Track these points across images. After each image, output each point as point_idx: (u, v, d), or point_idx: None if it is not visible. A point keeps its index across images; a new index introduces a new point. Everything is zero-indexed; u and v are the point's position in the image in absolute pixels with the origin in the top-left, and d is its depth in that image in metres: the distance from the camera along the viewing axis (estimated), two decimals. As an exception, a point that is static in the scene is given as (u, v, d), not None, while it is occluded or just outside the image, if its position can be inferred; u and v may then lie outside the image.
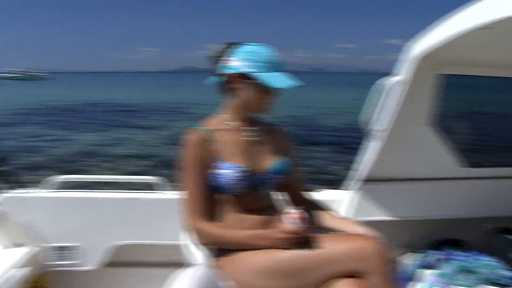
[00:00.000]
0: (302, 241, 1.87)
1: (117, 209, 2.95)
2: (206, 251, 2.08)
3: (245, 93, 2.04)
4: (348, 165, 3.17)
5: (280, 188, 2.22)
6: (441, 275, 2.49)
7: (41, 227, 2.88)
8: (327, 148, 14.13)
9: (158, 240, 2.93)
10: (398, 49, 2.53)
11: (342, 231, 2.07)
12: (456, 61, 2.65)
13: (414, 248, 2.86)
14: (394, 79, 2.50)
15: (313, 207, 2.23)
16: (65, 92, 50.92)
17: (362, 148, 2.77)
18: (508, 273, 2.44)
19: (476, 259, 2.54)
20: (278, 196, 2.25)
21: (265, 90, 2.01)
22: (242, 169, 2.00)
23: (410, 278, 2.57)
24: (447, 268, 2.53)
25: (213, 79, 2.09)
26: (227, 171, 1.98)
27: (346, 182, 2.95)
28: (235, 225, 2.02)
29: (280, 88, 1.99)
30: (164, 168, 9.85)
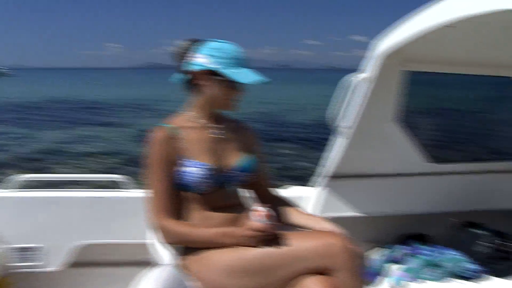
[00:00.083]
0: (269, 238, 1.86)
1: (81, 208, 2.89)
2: (173, 250, 2.05)
3: (211, 90, 2.02)
4: (315, 161, 3.17)
5: (247, 185, 2.20)
6: (408, 270, 2.52)
7: (2, 228, 2.80)
8: (294, 145, 14.20)
9: (124, 239, 2.89)
10: (365, 46, 2.54)
11: (310, 228, 2.07)
12: (421, 58, 2.68)
13: (381, 243, 2.89)
14: (360, 76, 2.52)
15: (280, 204, 2.22)
16: (28, 89, 49.78)
17: (329, 144, 2.77)
18: (472, 266, 2.48)
19: (442, 253, 2.57)
20: (246, 194, 2.23)
21: (232, 86, 2.00)
22: (208, 167, 1.97)
23: (377, 273, 2.59)
24: (414, 263, 2.55)
25: (178, 76, 2.07)
26: (193, 169, 1.96)
27: (313, 178, 2.95)
28: (202, 223, 2.00)
29: (247, 84, 1.98)
30: (130, 166, 9.74)
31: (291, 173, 9.67)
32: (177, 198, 1.99)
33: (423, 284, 2.44)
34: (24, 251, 2.85)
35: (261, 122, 19.03)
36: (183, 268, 1.97)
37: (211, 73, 1.97)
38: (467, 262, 2.49)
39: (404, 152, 2.93)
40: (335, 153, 2.75)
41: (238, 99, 2.06)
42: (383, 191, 2.98)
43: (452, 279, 2.45)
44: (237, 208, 2.07)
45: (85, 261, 2.92)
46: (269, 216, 1.87)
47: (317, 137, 13.95)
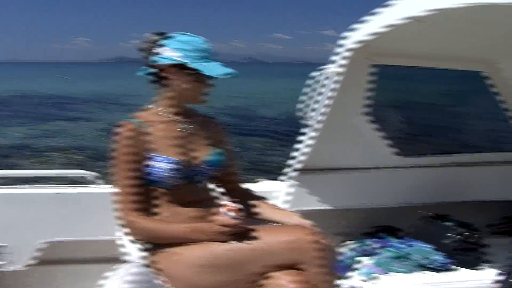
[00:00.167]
0: (239, 233, 1.84)
1: (47, 205, 2.82)
2: (141, 246, 2.02)
3: (179, 84, 1.99)
4: (285, 155, 3.17)
5: (216, 180, 2.18)
6: (378, 262, 2.54)
7: None
8: (264, 139, 14.21)
9: (92, 236, 2.83)
10: (334, 40, 2.55)
11: (280, 222, 2.06)
12: (389, 52, 2.69)
13: (351, 236, 2.90)
14: (329, 69, 2.52)
15: (250, 198, 2.21)
16: (-7, 83, 48.76)
17: (299, 138, 2.77)
18: (441, 258, 2.50)
19: (411, 246, 2.60)
20: (216, 189, 2.21)
21: (200, 80, 1.97)
22: (176, 162, 1.95)
23: (348, 266, 2.60)
24: (384, 255, 2.57)
25: (145, 70, 2.04)
26: (161, 164, 1.93)
27: (283, 172, 2.95)
28: (171, 218, 1.98)
29: (215, 78, 1.97)
30: (98, 161, 9.62)
31: (261, 167, 9.68)
32: (145, 193, 1.96)
33: (393, 276, 2.46)
34: None
35: (231, 116, 19.01)
36: (151, 265, 1.95)
37: (179, 67, 1.95)
38: (436, 254, 2.52)
39: (373, 145, 2.94)
40: (304, 147, 2.75)
41: (206, 93, 2.04)
42: (352, 185, 3.00)
43: (421, 271, 2.48)
44: (207, 203, 2.05)
45: (52, 259, 2.86)
46: (238, 211, 1.85)
47: (287, 131, 14.00)
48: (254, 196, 2.24)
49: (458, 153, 3.38)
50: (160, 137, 1.98)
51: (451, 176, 3.13)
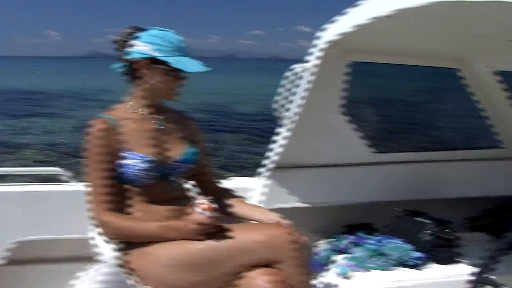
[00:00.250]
0: (214, 231, 1.83)
1: (17, 204, 2.77)
2: (114, 245, 1.99)
3: (152, 79, 1.96)
4: (261, 152, 3.16)
5: (190, 177, 2.17)
6: (353, 259, 2.54)
7: None
8: (240, 136, 14.20)
9: (65, 235, 2.79)
10: (310, 37, 2.55)
11: (255, 220, 2.06)
12: (364, 49, 2.70)
13: (327, 233, 2.90)
14: (304, 66, 2.52)
15: (224, 195, 2.20)
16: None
17: (275, 135, 2.76)
18: (416, 254, 2.52)
19: (387, 242, 2.60)
20: (190, 186, 2.19)
21: (174, 76, 1.96)
22: (149, 159, 1.92)
23: (324, 263, 2.60)
24: (359, 252, 2.57)
25: (119, 65, 2.01)
26: (134, 162, 1.90)
27: (259, 169, 2.93)
28: (144, 216, 1.95)
29: (189, 73, 1.95)
30: (71, 158, 9.48)
31: (236, 164, 9.67)
32: (118, 191, 1.93)
33: (369, 273, 2.47)
34: None
35: (206, 113, 18.97)
36: (124, 264, 1.92)
37: (153, 62, 1.92)
38: (411, 250, 2.53)
39: (348, 142, 2.95)
40: (279, 144, 2.74)
41: (180, 89, 2.01)
42: (328, 181, 3.00)
43: (396, 267, 2.49)
44: (182, 200, 2.04)
45: (23, 258, 2.80)
46: (211, 209, 1.83)
47: (263, 127, 14.02)
48: (229, 193, 2.22)
49: (433, 150, 3.41)
50: (133, 134, 1.95)
51: (426, 173, 3.16)
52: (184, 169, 2.05)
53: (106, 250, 1.98)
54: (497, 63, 2.98)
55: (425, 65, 3.06)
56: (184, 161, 2.04)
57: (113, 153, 1.90)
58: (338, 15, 2.29)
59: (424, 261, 2.53)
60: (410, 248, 2.55)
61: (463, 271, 2.44)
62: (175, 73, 1.94)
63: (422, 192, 3.09)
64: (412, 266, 2.50)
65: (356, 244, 2.68)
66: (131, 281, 1.84)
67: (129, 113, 1.99)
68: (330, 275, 2.52)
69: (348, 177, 3.03)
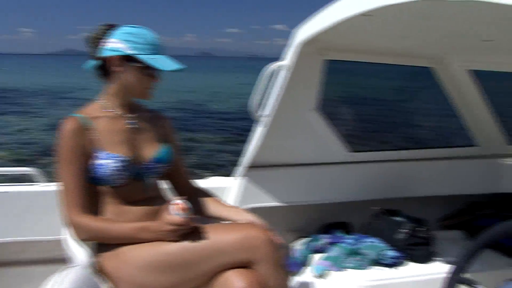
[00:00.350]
0: (189, 232, 1.81)
1: None
2: (86, 246, 1.95)
3: (126, 77, 1.93)
4: (237, 151, 3.14)
5: (165, 177, 2.14)
6: (330, 258, 2.53)
7: None
8: (216, 135, 14.17)
9: (36, 236, 2.73)
10: (287, 35, 2.54)
11: (230, 220, 2.04)
12: (339, 47, 2.71)
13: (303, 233, 2.90)
14: (279, 64, 2.51)
15: (199, 195, 2.17)
16: None
17: (251, 134, 2.75)
18: (392, 253, 2.53)
19: (363, 241, 2.61)
20: (165, 186, 2.17)
21: (148, 74, 1.92)
22: (123, 158, 1.88)
23: (300, 263, 2.59)
24: (336, 251, 2.57)
25: (92, 63, 1.96)
26: (106, 161, 1.86)
27: (235, 168, 2.92)
28: (118, 217, 1.92)
29: (164, 72, 1.92)
30: (43, 158, 9.34)
31: (213, 163, 9.64)
32: (90, 192, 1.90)
33: (345, 272, 2.47)
34: None
35: (182, 111, 18.89)
36: (97, 267, 1.88)
37: (126, 59, 1.89)
38: (387, 249, 2.54)
39: (324, 141, 2.95)
40: (255, 143, 2.73)
41: (154, 87, 1.98)
42: (304, 180, 2.99)
43: (373, 266, 2.50)
44: (156, 200, 2.01)
45: None
46: (186, 209, 1.81)
47: (240, 126, 14.02)
48: (204, 193, 2.20)
49: (408, 148, 3.43)
50: (106, 133, 1.91)
51: (401, 172, 3.18)
52: (158, 169, 2.02)
53: (79, 252, 1.94)
54: (472, 63, 3.01)
55: (400, 64, 3.08)
56: (158, 160, 2.01)
57: (85, 153, 1.86)
58: (314, 13, 2.29)
59: (400, 260, 2.54)
60: (386, 247, 2.56)
61: (439, 269, 2.47)
62: (149, 71, 1.91)
63: (398, 190, 3.11)
64: (389, 265, 2.51)
65: (332, 243, 2.68)
66: (103, 285, 1.81)
67: (101, 112, 1.95)
68: (306, 275, 2.52)
69: (324, 176, 3.03)
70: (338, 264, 2.50)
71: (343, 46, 2.72)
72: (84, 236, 1.89)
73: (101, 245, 1.91)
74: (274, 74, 2.54)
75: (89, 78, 2.03)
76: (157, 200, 2.01)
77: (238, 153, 2.91)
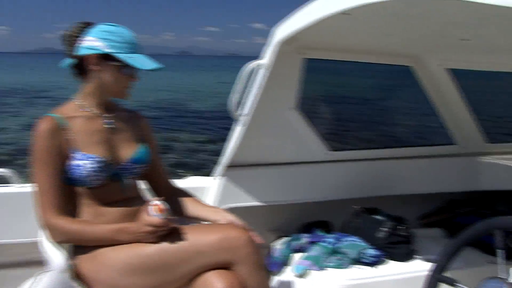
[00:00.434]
0: (168, 233, 1.79)
1: None
2: (63, 249, 1.91)
3: (103, 76, 1.89)
4: (217, 150, 3.13)
5: (143, 177, 2.11)
6: (310, 258, 2.53)
7: None
8: (195, 134, 14.11)
9: (11, 239, 2.68)
10: (266, 34, 2.53)
11: (210, 220, 2.02)
12: (318, 46, 2.71)
13: (283, 232, 2.89)
14: (258, 62, 2.50)
15: (178, 195, 2.15)
16: None
17: (230, 133, 2.73)
18: (373, 252, 2.53)
19: (344, 240, 2.61)
20: (144, 186, 2.14)
21: (126, 73, 1.89)
22: (99, 159, 1.85)
23: (281, 263, 2.58)
24: (316, 250, 2.57)
25: (68, 61, 1.93)
26: (83, 162, 1.83)
27: (214, 168, 2.90)
28: (95, 219, 1.89)
29: (141, 71, 1.89)
30: (18, 159, 9.20)
31: (192, 163, 9.60)
32: (67, 193, 1.86)
33: (326, 271, 2.47)
34: None
35: (161, 110, 18.78)
36: (74, 271, 1.84)
37: (104, 58, 1.86)
38: (368, 247, 2.55)
39: (304, 140, 2.95)
40: (234, 142, 2.71)
41: (131, 87, 1.95)
42: (283, 180, 2.99)
43: (353, 265, 2.50)
44: (134, 201, 1.98)
45: None
46: (164, 210, 1.78)
47: (219, 125, 13.99)
48: (183, 193, 2.18)
49: (387, 147, 3.45)
50: (82, 133, 1.87)
51: (381, 170, 3.19)
52: (135, 170, 1.99)
53: (55, 255, 1.90)
54: (450, 62, 3.04)
55: (379, 63, 3.09)
56: (136, 161, 1.98)
57: (60, 153, 1.83)
58: (292, 12, 2.28)
59: (381, 258, 2.55)
60: (367, 245, 2.56)
61: (419, 267, 2.48)
62: (127, 70, 1.88)
63: (378, 189, 3.12)
64: (369, 264, 2.51)
65: (312, 242, 2.68)
66: None
67: (78, 111, 1.92)
68: (287, 275, 2.51)
69: (304, 175, 3.03)
70: (318, 264, 2.49)
71: (322, 45, 2.72)
72: (60, 238, 1.85)
73: (78, 247, 1.87)
74: (253, 73, 2.53)
75: (66, 77, 1.99)
76: (135, 201, 1.98)
77: (218, 153, 2.90)
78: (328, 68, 3.11)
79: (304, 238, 2.73)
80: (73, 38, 1.90)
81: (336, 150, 3.09)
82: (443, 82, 3.10)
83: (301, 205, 3.00)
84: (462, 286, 1.78)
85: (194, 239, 1.78)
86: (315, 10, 2.09)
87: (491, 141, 3.44)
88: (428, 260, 2.53)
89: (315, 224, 2.90)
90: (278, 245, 2.74)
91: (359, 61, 3.01)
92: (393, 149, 3.37)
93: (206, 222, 2.03)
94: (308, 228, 2.87)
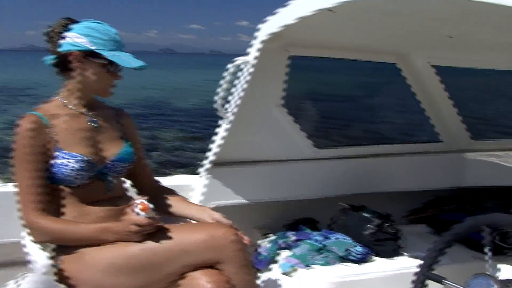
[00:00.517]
0: (154, 232, 1.77)
1: None
2: (45, 249, 1.88)
3: (86, 73, 1.87)
4: (202, 148, 3.10)
5: (127, 176, 2.09)
6: (297, 255, 2.52)
7: None
8: (181, 132, 14.05)
9: None
10: (251, 32, 2.52)
11: (195, 219, 2.01)
12: (304, 43, 2.70)
13: (270, 230, 2.88)
14: (243, 60, 2.48)
15: (163, 194, 2.13)
16: None
17: (216, 131, 2.71)
18: (360, 249, 2.52)
19: (330, 238, 2.60)
20: (128, 185, 2.12)
21: (109, 70, 1.87)
22: (82, 158, 1.82)
23: (268, 261, 2.57)
24: (303, 248, 2.56)
25: (51, 58, 1.90)
26: (66, 161, 1.80)
27: (200, 166, 2.87)
28: (79, 218, 1.86)
29: (125, 69, 1.87)
30: (0, 157, 9.06)
31: (177, 161, 9.55)
32: (50, 192, 1.83)
33: (313, 269, 2.46)
34: None
35: (146, 108, 18.69)
36: (57, 271, 1.81)
37: (87, 54, 1.83)
38: (355, 245, 2.54)
39: (289, 137, 2.94)
40: (220, 140, 2.69)
41: (114, 84, 1.93)
42: (269, 177, 2.97)
43: (340, 262, 2.49)
44: (119, 200, 1.96)
45: None
46: (148, 209, 1.76)
47: (205, 123, 13.93)
48: (168, 192, 2.16)
49: (373, 144, 3.45)
50: (65, 132, 1.85)
51: (367, 167, 3.19)
52: (120, 168, 1.97)
53: (38, 256, 1.87)
54: (436, 59, 3.04)
55: (365, 60, 3.09)
56: (120, 159, 1.95)
57: (43, 152, 1.80)
58: (277, 9, 2.27)
59: (368, 255, 2.54)
60: (354, 242, 2.55)
61: (406, 264, 2.48)
62: (111, 68, 1.86)
63: (364, 186, 3.12)
64: (356, 261, 2.50)
65: (299, 240, 2.66)
66: None
67: (61, 109, 1.89)
68: (274, 272, 2.50)
69: (290, 173, 3.01)
70: (305, 261, 2.48)
71: (307, 42, 2.71)
72: (42, 238, 1.83)
73: (62, 247, 1.85)
74: (238, 70, 2.51)
75: (50, 75, 1.96)
76: (120, 200, 1.96)
77: (203, 151, 2.87)
78: (314, 66, 3.11)
79: (291, 236, 2.71)
80: (56, 34, 1.87)
81: (321, 148, 3.08)
82: (428, 79, 3.10)
83: (287, 202, 2.99)
84: (450, 283, 1.78)
85: (180, 238, 1.77)
86: (300, 7, 2.08)
87: (476, 138, 3.46)
88: (415, 257, 2.53)
89: (302, 221, 2.89)
90: (265, 243, 2.72)
91: (344, 58, 3.00)
92: (379, 146, 3.37)
93: (192, 221, 2.01)
94: (294, 225, 2.86)
